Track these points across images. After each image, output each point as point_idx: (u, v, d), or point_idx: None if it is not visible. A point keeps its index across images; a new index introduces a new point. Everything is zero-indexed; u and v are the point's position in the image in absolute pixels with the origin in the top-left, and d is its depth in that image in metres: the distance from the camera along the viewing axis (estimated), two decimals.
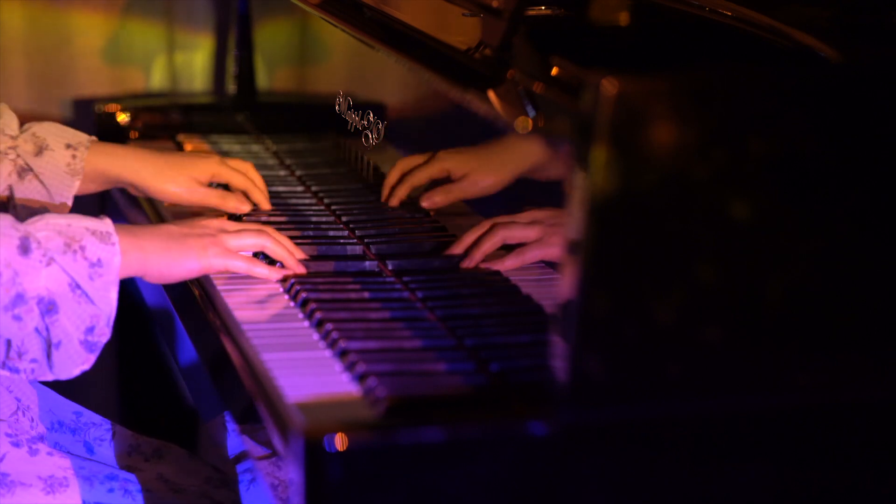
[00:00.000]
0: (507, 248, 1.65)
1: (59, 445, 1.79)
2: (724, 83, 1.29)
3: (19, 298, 1.47)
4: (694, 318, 1.31)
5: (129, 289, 2.37)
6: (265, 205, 1.94)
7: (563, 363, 1.29)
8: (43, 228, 1.51)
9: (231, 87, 2.56)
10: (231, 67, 2.55)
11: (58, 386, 2.07)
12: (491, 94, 1.48)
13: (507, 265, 1.64)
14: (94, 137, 1.93)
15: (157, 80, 2.65)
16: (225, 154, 2.28)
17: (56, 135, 1.90)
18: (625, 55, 1.53)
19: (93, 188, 1.94)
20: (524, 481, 1.32)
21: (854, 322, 1.36)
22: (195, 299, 1.69)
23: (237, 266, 1.67)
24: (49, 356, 1.51)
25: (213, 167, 1.92)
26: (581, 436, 1.32)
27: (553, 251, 1.58)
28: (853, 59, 1.42)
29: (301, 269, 1.71)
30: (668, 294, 1.30)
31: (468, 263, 1.67)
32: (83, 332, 1.51)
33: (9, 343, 1.50)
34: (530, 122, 1.39)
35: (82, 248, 1.51)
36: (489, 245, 1.65)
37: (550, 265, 1.62)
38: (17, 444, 1.68)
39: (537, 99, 1.41)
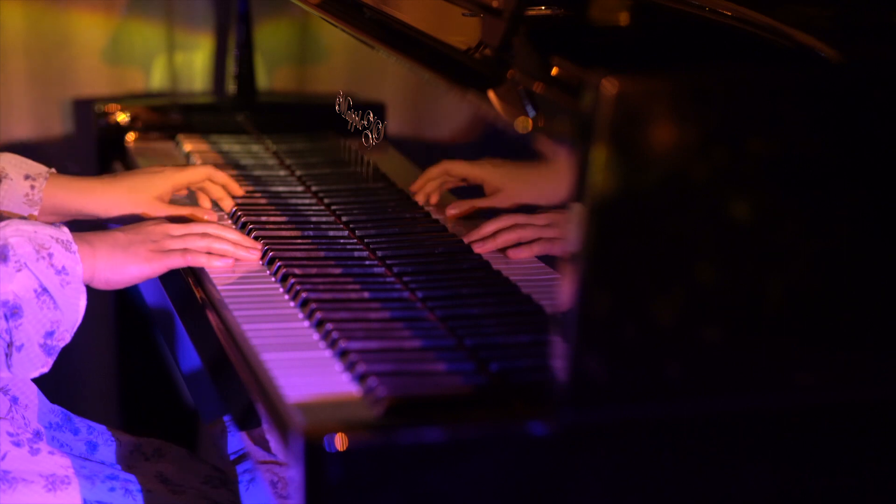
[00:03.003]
0: None
1: (61, 445, 1.79)
2: (724, 83, 1.29)
3: None
4: (694, 318, 1.31)
5: (129, 289, 2.37)
6: (236, 191, 1.97)
7: (563, 363, 1.29)
8: (14, 234, 1.55)
9: (231, 87, 2.55)
10: (231, 67, 2.55)
11: (56, 387, 2.06)
12: (491, 94, 1.48)
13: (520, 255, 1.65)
14: (52, 169, 1.91)
15: (157, 80, 2.65)
16: (225, 154, 2.28)
17: (15, 165, 1.89)
18: (625, 55, 1.53)
19: (54, 219, 1.93)
20: (524, 481, 1.32)
21: (854, 322, 1.36)
22: (195, 299, 1.69)
23: (176, 263, 1.72)
24: (9, 356, 1.54)
25: (171, 181, 1.92)
26: (581, 436, 1.32)
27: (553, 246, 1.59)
28: (853, 59, 1.42)
29: (253, 256, 1.76)
30: (668, 294, 1.30)
31: (481, 249, 1.67)
32: (43, 335, 1.56)
33: None
34: (530, 122, 1.39)
35: (50, 255, 1.56)
36: (502, 241, 1.65)
37: (551, 265, 1.62)
38: (18, 444, 1.68)
39: (537, 99, 1.41)
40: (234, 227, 1.85)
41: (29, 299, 1.54)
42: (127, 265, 1.67)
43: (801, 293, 1.33)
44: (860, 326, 1.37)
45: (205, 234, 1.75)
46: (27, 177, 1.88)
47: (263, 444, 1.42)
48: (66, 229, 1.61)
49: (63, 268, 1.57)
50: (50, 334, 1.56)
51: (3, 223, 1.58)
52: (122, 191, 1.91)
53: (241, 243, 1.78)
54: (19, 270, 1.53)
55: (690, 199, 1.29)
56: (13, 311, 1.53)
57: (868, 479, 1.42)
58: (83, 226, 1.81)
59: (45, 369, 1.59)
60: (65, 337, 1.58)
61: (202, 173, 1.95)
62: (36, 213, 1.89)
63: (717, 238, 1.30)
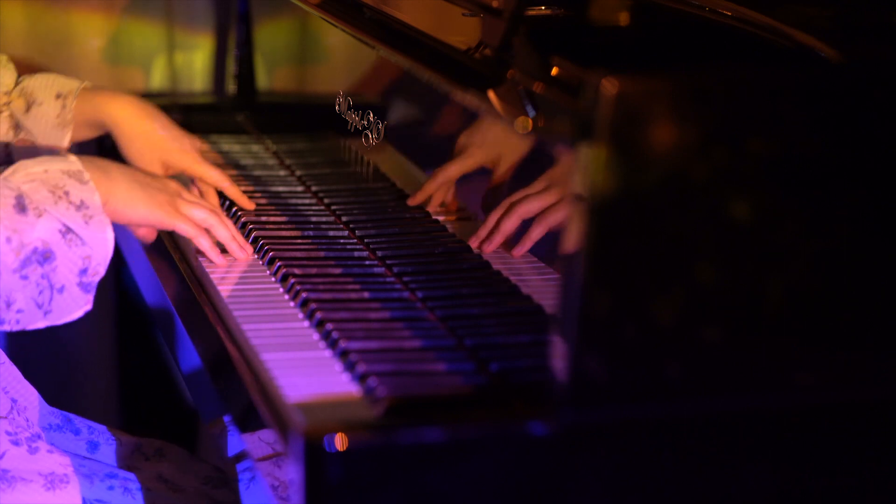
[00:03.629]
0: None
1: (61, 445, 1.79)
2: (724, 83, 1.29)
3: (27, 260, 1.49)
4: (694, 318, 1.31)
5: (129, 289, 2.37)
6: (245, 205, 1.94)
7: (563, 363, 1.29)
8: (25, 180, 1.53)
9: (231, 87, 2.55)
10: (231, 67, 2.55)
11: (57, 387, 2.07)
12: (491, 94, 1.48)
13: (532, 237, 1.64)
14: (86, 83, 1.92)
15: (157, 80, 2.65)
16: (225, 154, 2.28)
17: (46, 86, 1.89)
18: (625, 55, 1.52)
19: (89, 134, 1.94)
20: (524, 481, 1.32)
21: (854, 322, 1.36)
22: (195, 299, 1.69)
23: (187, 231, 1.72)
24: (48, 302, 1.53)
25: (187, 165, 1.91)
26: (581, 436, 1.32)
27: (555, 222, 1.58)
28: (853, 59, 1.42)
29: (242, 255, 1.76)
30: (667, 294, 1.30)
31: (488, 248, 1.66)
32: (77, 274, 1.54)
33: None
34: (530, 121, 1.39)
35: (66, 194, 1.54)
36: (510, 225, 1.64)
37: (551, 265, 1.62)
38: (16, 443, 1.68)
39: (537, 99, 1.41)
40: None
41: (57, 241, 1.52)
42: (142, 203, 1.65)
43: (801, 293, 1.33)
44: (860, 326, 1.37)
45: (213, 212, 1.75)
46: (59, 95, 1.89)
47: (263, 444, 1.42)
48: (74, 159, 1.59)
49: (82, 202, 1.55)
50: (84, 271, 1.54)
51: (11, 169, 1.55)
52: (142, 117, 1.90)
53: (237, 238, 1.78)
54: (40, 216, 1.51)
55: (690, 199, 1.29)
56: (45, 256, 1.50)
57: (868, 479, 1.42)
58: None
59: (88, 306, 1.57)
60: (99, 271, 1.56)
61: (215, 179, 1.92)
62: (69, 132, 1.88)
63: (717, 238, 1.30)
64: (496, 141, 1.62)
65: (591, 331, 1.29)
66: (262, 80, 2.46)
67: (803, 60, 1.45)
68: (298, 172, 2.14)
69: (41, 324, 1.55)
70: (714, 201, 1.29)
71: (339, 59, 2.13)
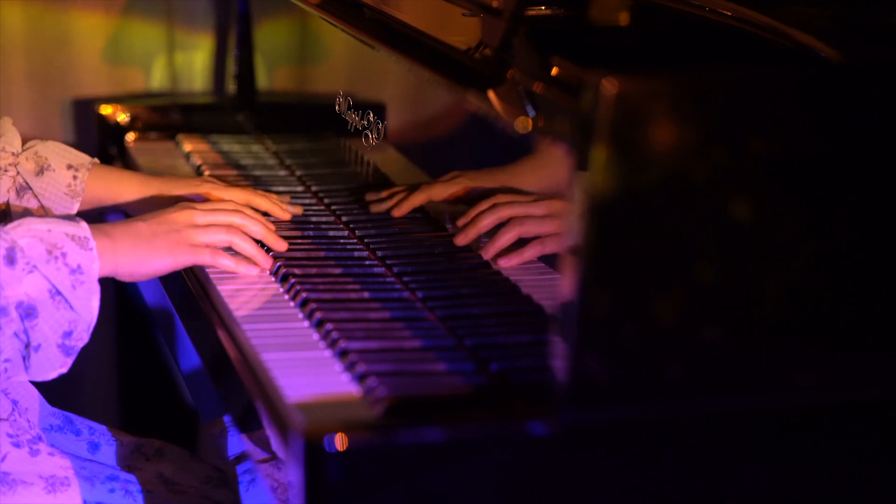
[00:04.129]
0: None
1: (62, 446, 1.79)
2: (724, 83, 1.29)
3: (2, 311, 1.48)
4: (694, 318, 1.31)
5: (129, 289, 2.37)
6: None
7: (564, 363, 1.29)
8: (25, 234, 1.52)
9: (231, 87, 2.56)
10: (231, 67, 2.55)
11: (57, 387, 2.07)
12: (491, 94, 1.48)
13: (525, 257, 1.64)
14: (95, 160, 1.92)
15: (157, 80, 2.65)
16: (225, 154, 2.28)
17: (59, 154, 1.89)
18: (625, 55, 1.52)
19: (90, 209, 1.93)
20: (524, 481, 1.32)
21: (854, 322, 1.36)
22: (195, 299, 1.69)
23: (205, 261, 1.70)
24: (26, 358, 1.53)
25: (207, 190, 1.87)
26: (581, 436, 1.32)
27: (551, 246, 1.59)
28: (853, 59, 1.42)
29: (267, 265, 1.73)
30: (668, 294, 1.30)
31: (487, 255, 1.66)
32: (61, 336, 1.53)
33: None
34: (530, 122, 1.39)
35: (63, 255, 1.53)
36: (506, 241, 1.64)
37: (551, 265, 1.62)
38: (17, 445, 1.68)
39: (537, 99, 1.41)
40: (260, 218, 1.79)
41: (43, 300, 1.51)
42: (150, 258, 1.65)
43: (801, 293, 1.33)
44: (860, 326, 1.37)
45: (230, 227, 1.73)
46: (70, 167, 1.88)
47: (263, 444, 1.42)
48: (84, 224, 1.58)
49: (78, 266, 1.53)
50: (68, 334, 1.53)
51: (16, 223, 1.55)
52: (149, 191, 1.90)
53: (266, 237, 1.75)
54: (30, 273, 1.50)
55: (690, 199, 1.29)
56: (28, 312, 1.50)
57: (868, 479, 1.42)
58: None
59: (64, 370, 1.56)
60: (83, 337, 1.55)
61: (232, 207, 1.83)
62: (77, 204, 1.88)
63: (718, 238, 1.30)
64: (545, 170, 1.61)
65: (591, 331, 1.29)
66: (262, 80, 2.46)
67: (803, 60, 1.45)
68: (298, 172, 2.14)
69: (23, 377, 1.55)
70: (714, 201, 1.29)
71: (339, 59, 2.13)
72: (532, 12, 1.65)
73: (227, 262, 1.71)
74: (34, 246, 1.52)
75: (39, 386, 1.85)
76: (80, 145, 2.58)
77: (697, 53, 1.54)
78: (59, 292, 1.51)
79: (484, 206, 1.66)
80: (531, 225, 1.63)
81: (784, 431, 1.37)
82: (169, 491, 1.74)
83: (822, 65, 1.41)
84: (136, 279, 1.66)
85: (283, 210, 1.88)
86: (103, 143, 2.45)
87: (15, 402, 1.76)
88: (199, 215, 1.72)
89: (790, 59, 1.48)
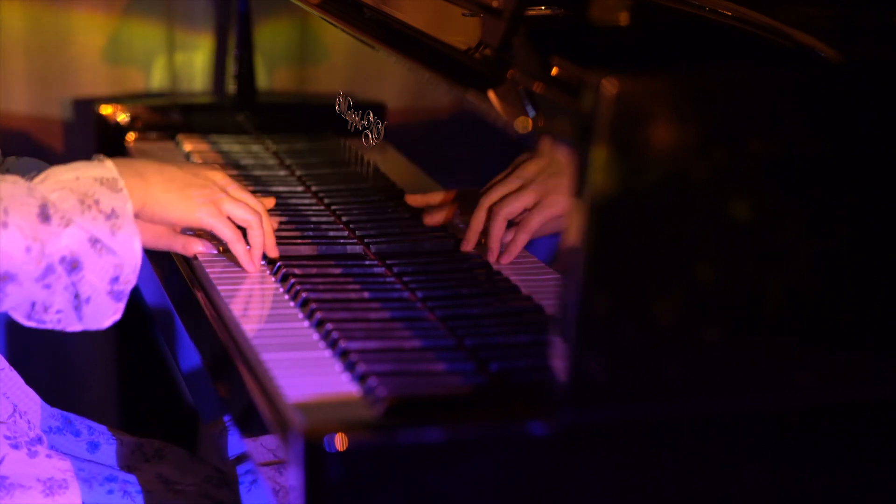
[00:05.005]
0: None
1: (61, 447, 1.79)
2: (724, 83, 1.29)
3: (49, 269, 1.47)
4: (694, 318, 1.31)
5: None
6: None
7: (563, 363, 1.29)
8: (54, 187, 1.51)
9: (231, 87, 2.55)
10: (231, 67, 2.55)
11: (57, 387, 2.07)
12: (491, 94, 1.48)
13: (518, 243, 1.64)
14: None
15: (157, 80, 2.65)
16: (225, 154, 2.28)
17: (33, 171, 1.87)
18: (625, 55, 1.52)
19: None
20: (524, 481, 1.32)
21: (854, 322, 1.36)
22: (195, 299, 1.69)
23: (224, 233, 1.68)
24: (77, 308, 1.51)
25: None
26: (581, 436, 1.32)
27: (554, 210, 1.58)
28: (853, 59, 1.42)
29: (252, 268, 1.72)
30: (668, 294, 1.30)
31: (492, 258, 1.66)
32: (108, 282, 1.51)
33: (33, 302, 1.50)
34: (530, 122, 1.39)
35: (97, 203, 1.51)
36: (498, 230, 1.65)
37: (550, 265, 1.62)
38: (16, 447, 1.68)
39: (537, 99, 1.41)
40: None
41: (85, 251, 1.49)
42: (179, 206, 1.62)
43: (801, 293, 1.33)
44: (860, 326, 1.37)
45: (255, 211, 1.70)
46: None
47: (263, 445, 1.42)
48: (110, 164, 1.56)
49: (112, 211, 1.52)
50: (115, 279, 1.52)
51: (42, 176, 1.53)
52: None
53: (266, 244, 1.73)
54: (67, 226, 1.48)
55: (690, 199, 1.29)
56: (72, 266, 1.48)
57: (868, 479, 1.42)
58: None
59: (118, 316, 1.54)
60: (130, 279, 1.53)
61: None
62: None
63: (718, 238, 1.30)
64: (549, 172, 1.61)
65: (591, 331, 1.29)
66: (262, 80, 2.46)
67: (803, 60, 1.45)
68: (298, 172, 2.14)
69: (78, 327, 1.53)
70: (714, 201, 1.29)
71: (339, 59, 2.13)
72: (532, 12, 1.65)
73: (239, 248, 1.69)
74: (66, 198, 1.50)
75: (38, 387, 1.85)
76: (80, 145, 2.59)
77: (697, 53, 1.54)
78: (98, 240, 1.50)
79: (481, 215, 1.66)
80: (512, 203, 1.62)
81: (784, 431, 1.37)
82: (169, 491, 1.74)
83: (822, 65, 1.41)
84: (154, 221, 1.62)
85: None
86: (103, 143, 2.45)
87: (15, 405, 1.76)
88: (232, 186, 1.70)
89: (790, 59, 1.48)
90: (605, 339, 1.29)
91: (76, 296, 1.50)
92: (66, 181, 1.52)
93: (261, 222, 1.71)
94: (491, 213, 1.65)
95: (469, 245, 1.70)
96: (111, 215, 1.51)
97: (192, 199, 1.64)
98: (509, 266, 1.66)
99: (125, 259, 1.52)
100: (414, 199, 1.81)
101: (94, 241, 1.49)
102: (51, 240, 1.47)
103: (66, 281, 1.49)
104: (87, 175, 1.53)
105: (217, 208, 1.66)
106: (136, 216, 1.59)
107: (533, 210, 1.62)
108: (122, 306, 1.55)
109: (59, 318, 1.52)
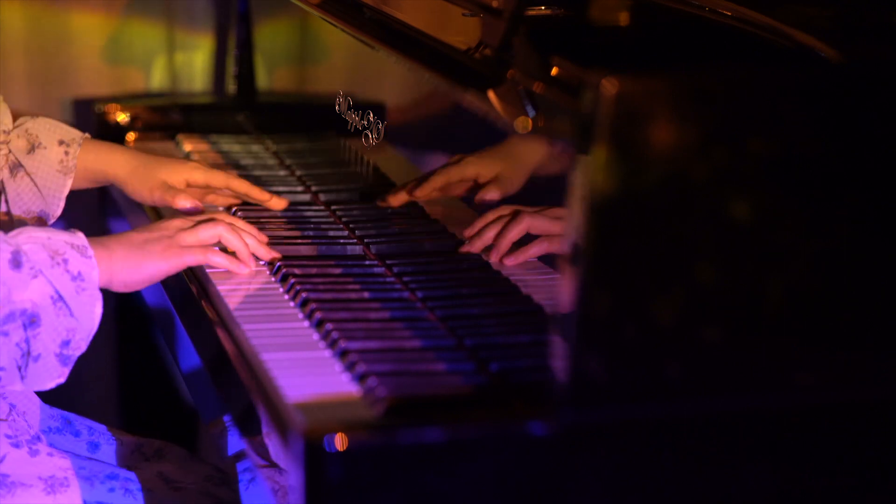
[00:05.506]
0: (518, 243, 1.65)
1: (61, 446, 1.79)
2: (724, 83, 1.29)
3: (10, 316, 1.48)
4: (694, 318, 1.31)
5: None
6: (255, 194, 1.93)
7: (563, 363, 1.29)
8: (27, 241, 1.52)
9: (231, 87, 2.55)
10: (231, 67, 2.55)
11: (56, 387, 2.06)
12: (491, 94, 1.48)
13: (531, 253, 1.65)
14: (87, 134, 1.93)
15: (157, 80, 2.65)
16: (225, 154, 2.28)
17: (49, 131, 1.90)
18: (625, 55, 1.52)
19: (85, 185, 1.95)
20: (524, 481, 1.32)
21: (854, 322, 1.36)
22: (195, 299, 1.69)
23: (195, 261, 1.69)
24: (23, 367, 1.51)
25: (187, 172, 1.91)
26: (581, 436, 1.32)
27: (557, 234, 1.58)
28: (853, 59, 1.42)
29: (248, 267, 1.73)
30: (668, 294, 1.30)
31: (496, 257, 1.66)
32: (59, 345, 1.52)
33: None
34: (530, 122, 1.39)
35: (65, 261, 1.52)
36: (515, 233, 1.65)
37: (551, 265, 1.62)
38: (16, 445, 1.68)
39: (537, 99, 1.41)
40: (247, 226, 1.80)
41: (46, 307, 1.50)
42: (144, 264, 1.63)
43: (801, 293, 1.33)
44: (860, 326, 1.37)
45: (216, 221, 1.72)
46: (61, 142, 1.89)
47: (263, 445, 1.42)
48: (81, 234, 1.58)
49: (79, 273, 1.53)
50: (66, 343, 1.52)
51: (15, 231, 1.54)
52: (138, 165, 1.92)
53: (255, 238, 1.75)
54: (35, 277, 1.49)
55: (690, 199, 1.29)
56: (31, 320, 1.49)
57: (868, 479, 1.42)
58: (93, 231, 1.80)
59: (61, 380, 1.54)
60: (80, 346, 1.54)
61: (222, 180, 1.92)
62: (70, 180, 1.88)
63: (718, 238, 1.30)
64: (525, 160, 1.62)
65: (591, 331, 1.29)
66: (262, 80, 2.46)
67: (803, 60, 1.45)
68: (298, 172, 2.14)
69: (18, 387, 1.53)
70: (714, 201, 1.29)
71: (339, 59, 2.13)
72: (532, 12, 1.65)
73: (218, 259, 1.71)
74: (37, 251, 1.51)
75: None
76: None
77: (697, 53, 1.54)
78: (61, 297, 1.51)
79: (490, 217, 1.66)
80: (538, 221, 1.63)
81: (784, 431, 1.37)
82: (169, 489, 1.74)
83: (822, 65, 1.40)
84: (129, 288, 1.64)
85: (261, 192, 1.92)
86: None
87: (13, 406, 1.76)
88: (188, 221, 1.72)
89: (790, 59, 1.48)
90: (605, 339, 1.29)
91: (27, 353, 1.50)
92: (39, 238, 1.53)
93: (229, 228, 1.72)
94: (516, 218, 1.65)
95: (475, 248, 1.69)
96: (77, 277, 1.53)
97: (152, 254, 1.65)
98: (509, 266, 1.66)
99: (81, 323, 1.53)
100: (396, 199, 1.83)
101: (57, 299, 1.50)
102: (18, 287, 1.48)
103: (22, 335, 1.49)
104: (58, 237, 1.55)
105: (178, 248, 1.67)
106: (108, 287, 1.61)
107: (557, 237, 1.61)
108: (66, 371, 1.54)
109: (1, 375, 1.51)
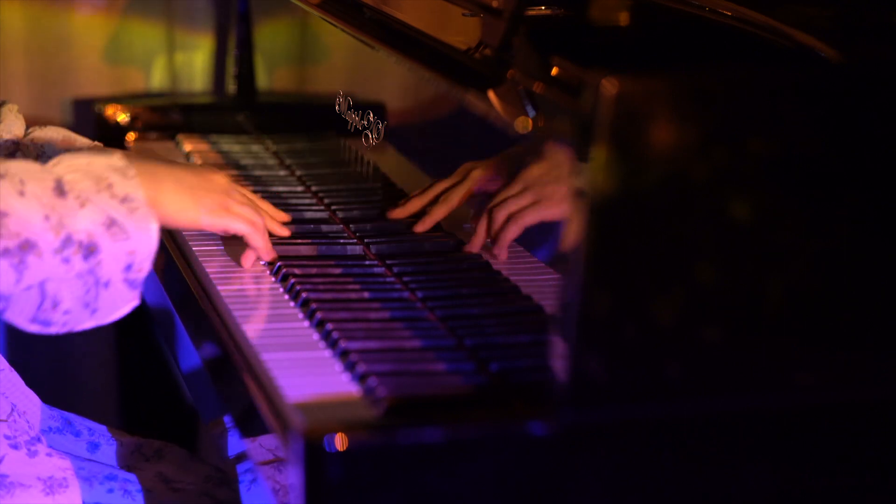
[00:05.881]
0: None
1: (61, 446, 1.79)
2: (724, 83, 1.29)
3: (68, 240, 1.43)
4: (694, 317, 1.31)
5: None
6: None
7: (563, 363, 1.29)
8: (68, 170, 1.49)
9: (231, 87, 2.56)
10: (231, 67, 2.55)
11: (56, 387, 2.07)
12: (491, 94, 1.48)
13: (508, 237, 1.63)
14: (98, 143, 1.92)
15: (157, 80, 2.65)
16: (225, 154, 2.28)
17: (55, 140, 1.88)
18: (625, 55, 1.52)
19: None
20: (524, 481, 1.32)
21: (854, 322, 1.36)
22: (195, 299, 1.69)
23: (238, 229, 1.66)
24: (89, 302, 1.48)
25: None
26: (581, 436, 1.32)
27: (551, 210, 1.57)
28: (853, 59, 1.42)
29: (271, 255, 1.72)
30: (668, 294, 1.30)
31: (500, 255, 1.66)
32: (123, 269, 1.48)
33: (44, 293, 1.46)
34: (530, 122, 1.39)
35: (109, 186, 1.48)
36: (498, 230, 1.64)
37: (551, 265, 1.62)
38: (15, 446, 1.68)
39: (537, 99, 1.41)
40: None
41: (101, 233, 1.46)
42: (193, 209, 1.60)
43: (801, 293, 1.33)
44: (860, 326, 1.37)
45: (258, 210, 1.70)
46: (67, 150, 1.86)
47: (263, 444, 1.42)
48: (118, 154, 1.54)
49: (126, 196, 1.49)
50: (129, 267, 1.48)
51: (55, 160, 1.51)
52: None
53: (276, 231, 1.74)
54: (83, 206, 1.45)
55: (690, 199, 1.29)
56: (90, 250, 1.45)
57: (868, 479, 1.42)
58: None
59: (136, 302, 1.51)
60: (143, 267, 1.49)
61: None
62: None
63: (718, 238, 1.30)
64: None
65: (591, 331, 1.29)
66: (262, 80, 2.46)
67: (803, 60, 1.45)
68: (298, 172, 2.14)
69: (88, 324, 1.50)
70: (714, 201, 1.29)
71: (339, 59, 2.13)
72: (532, 12, 1.65)
73: (260, 242, 1.68)
74: (80, 180, 1.47)
75: (38, 387, 1.85)
76: None
77: (697, 53, 1.54)
78: (114, 222, 1.47)
79: (486, 219, 1.65)
80: (511, 205, 1.61)
81: (784, 431, 1.37)
82: (169, 489, 1.74)
83: (822, 65, 1.41)
84: (167, 224, 1.59)
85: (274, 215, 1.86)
86: (103, 143, 2.45)
87: (14, 405, 1.76)
88: (235, 188, 1.69)
89: (790, 59, 1.48)
90: (605, 339, 1.29)
91: (95, 282, 1.46)
92: (79, 165, 1.49)
93: (259, 228, 1.70)
94: (491, 214, 1.64)
95: (475, 248, 1.69)
96: (125, 199, 1.48)
97: (202, 202, 1.61)
98: (509, 266, 1.66)
99: (140, 244, 1.48)
100: (397, 213, 1.82)
101: (111, 224, 1.46)
102: (67, 214, 1.45)
103: (83, 266, 1.46)
104: (99, 161, 1.51)
105: (227, 210, 1.64)
106: None
107: (529, 208, 1.61)
108: (137, 294, 1.51)
109: (67, 318, 1.48)
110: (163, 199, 1.57)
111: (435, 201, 1.77)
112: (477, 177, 1.69)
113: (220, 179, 1.68)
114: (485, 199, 1.66)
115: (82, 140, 1.90)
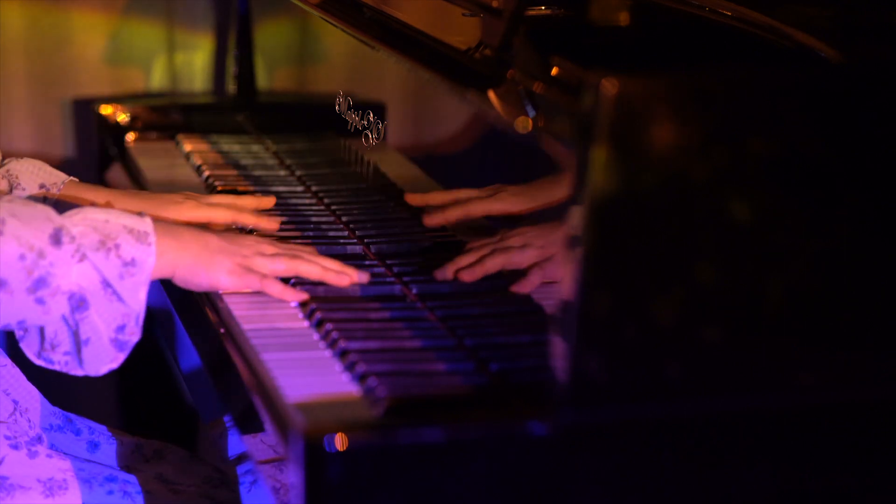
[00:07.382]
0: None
1: (62, 447, 1.79)
2: (724, 83, 1.29)
3: (41, 282, 1.45)
4: (694, 318, 1.31)
5: None
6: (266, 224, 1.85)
7: (563, 363, 1.29)
8: (80, 223, 1.50)
9: (231, 87, 2.56)
10: (231, 67, 2.55)
11: (57, 387, 2.07)
12: (491, 94, 1.48)
13: (488, 270, 1.63)
14: (73, 178, 1.87)
15: (157, 80, 2.65)
16: (225, 154, 2.28)
17: (32, 173, 1.85)
18: (625, 55, 1.53)
19: None
20: (524, 481, 1.32)
21: (854, 322, 1.36)
22: (195, 299, 1.69)
23: (254, 286, 1.64)
24: (79, 352, 1.51)
25: (187, 212, 1.81)
26: (581, 436, 1.32)
27: (551, 272, 1.56)
28: (853, 59, 1.42)
29: (341, 281, 1.66)
30: (668, 294, 1.30)
31: (470, 276, 1.64)
32: (114, 330, 1.50)
33: (43, 333, 1.50)
34: (530, 122, 1.39)
35: (117, 247, 1.49)
36: (490, 266, 1.63)
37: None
38: (15, 447, 1.68)
39: (537, 99, 1.41)
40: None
41: (95, 291, 1.48)
42: (208, 271, 1.60)
43: (802, 293, 1.33)
44: (860, 326, 1.37)
45: (294, 257, 1.66)
46: (42, 186, 1.85)
47: (263, 445, 1.42)
48: (148, 220, 1.54)
49: (132, 260, 1.50)
50: (122, 328, 1.50)
51: (75, 210, 1.52)
52: (121, 206, 1.82)
53: (332, 268, 1.67)
54: (80, 261, 1.47)
55: (691, 199, 1.29)
56: (79, 303, 1.47)
57: (868, 479, 1.42)
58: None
59: (115, 364, 1.52)
60: (135, 331, 1.52)
61: (225, 217, 1.82)
62: None
63: (718, 238, 1.30)
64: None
65: (591, 331, 1.29)
66: (262, 80, 2.46)
67: (803, 60, 1.45)
68: (298, 172, 2.14)
69: (80, 371, 1.52)
70: (714, 201, 1.29)
71: (339, 59, 2.13)
72: (532, 12, 1.65)
73: (276, 289, 1.65)
74: (87, 234, 1.48)
75: (40, 385, 1.85)
76: (80, 145, 2.59)
77: (697, 53, 1.54)
78: (108, 283, 1.49)
79: (488, 248, 1.64)
80: (515, 255, 1.61)
81: (784, 431, 1.37)
82: (169, 490, 1.74)
83: (822, 65, 1.41)
84: (188, 286, 1.61)
85: (257, 212, 1.85)
86: (103, 143, 2.45)
87: (16, 402, 1.76)
88: (267, 246, 1.67)
89: (790, 59, 1.48)
90: (605, 339, 1.29)
91: (76, 335, 1.49)
92: (95, 220, 1.51)
93: (306, 261, 1.66)
94: (492, 253, 1.62)
95: (471, 278, 1.65)
96: (129, 263, 1.50)
97: (222, 265, 1.61)
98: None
99: (130, 308, 1.51)
100: (413, 199, 1.81)
101: (106, 285, 1.48)
102: (59, 265, 1.46)
103: (69, 314, 1.47)
104: (118, 221, 1.52)
105: (245, 269, 1.63)
106: (171, 277, 1.59)
107: (534, 267, 1.59)
108: (122, 356, 1.52)
109: (67, 360, 1.52)
110: (183, 263, 1.58)
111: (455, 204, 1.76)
112: (504, 201, 1.67)
113: (253, 242, 1.66)
114: (497, 227, 1.65)
115: (57, 174, 1.86)
